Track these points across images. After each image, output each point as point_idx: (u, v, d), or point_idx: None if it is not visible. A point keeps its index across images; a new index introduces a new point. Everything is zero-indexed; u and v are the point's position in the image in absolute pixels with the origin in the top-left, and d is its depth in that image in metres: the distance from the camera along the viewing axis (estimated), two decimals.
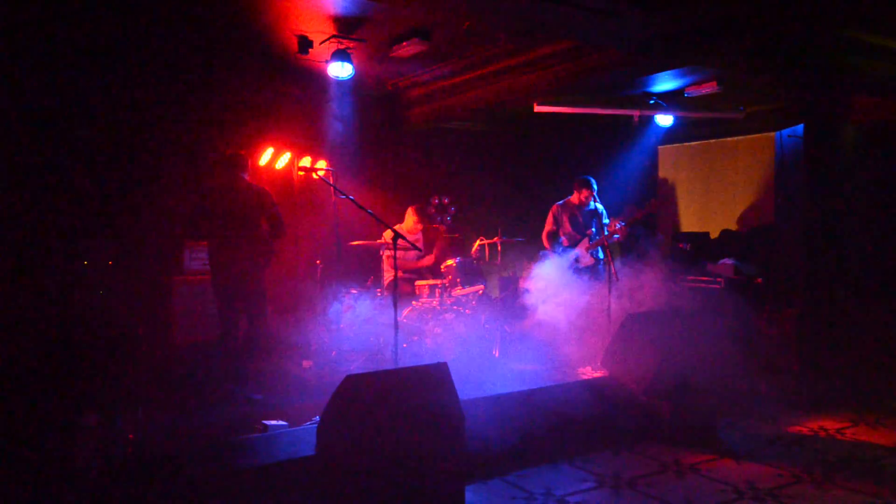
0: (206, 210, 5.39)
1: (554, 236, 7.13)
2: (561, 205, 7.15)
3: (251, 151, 6.94)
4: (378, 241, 6.68)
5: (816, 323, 6.14)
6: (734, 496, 4.25)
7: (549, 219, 7.19)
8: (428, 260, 7.20)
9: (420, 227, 7.13)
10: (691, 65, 6.13)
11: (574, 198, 7.05)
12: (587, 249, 6.86)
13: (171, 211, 6.67)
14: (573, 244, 7.00)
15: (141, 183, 6.71)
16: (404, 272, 6.94)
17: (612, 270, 6.26)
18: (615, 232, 6.62)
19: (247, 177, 5.59)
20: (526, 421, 4.91)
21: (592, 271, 6.82)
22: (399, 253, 6.63)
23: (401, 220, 7.21)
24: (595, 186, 6.97)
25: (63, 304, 5.59)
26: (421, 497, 3.69)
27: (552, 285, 6.60)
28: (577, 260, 6.88)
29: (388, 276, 6.72)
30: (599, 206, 7.05)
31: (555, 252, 6.97)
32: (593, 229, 6.97)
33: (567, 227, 7.05)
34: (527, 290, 6.79)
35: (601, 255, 6.88)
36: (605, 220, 7.05)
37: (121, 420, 4.36)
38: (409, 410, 3.71)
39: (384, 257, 6.99)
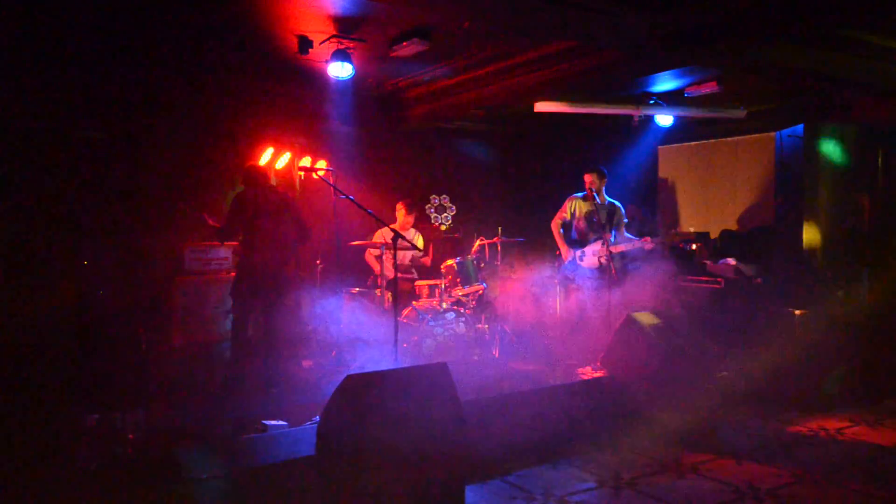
0: (241, 213, 5.54)
1: (567, 227, 6.92)
2: (580, 197, 6.89)
3: (254, 153, 6.99)
4: (377, 241, 6.67)
5: (816, 322, 6.14)
6: (734, 496, 4.25)
7: (565, 207, 6.93)
8: (426, 261, 7.17)
9: (411, 219, 7.08)
10: (691, 65, 6.13)
11: (586, 186, 6.82)
12: (602, 251, 6.43)
13: (170, 211, 6.67)
14: (582, 241, 6.81)
15: (141, 183, 6.71)
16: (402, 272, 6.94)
17: (613, 270, 6.25)
18: (646, 245, 6.56)
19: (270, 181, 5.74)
20: (525, 421, 4.91)
21: (595, 271, 6.68)
22: (378, 251, 6.64)
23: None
24: (605, 174, 6.83)
25: (63, 304, 5.59)
26: (421, 497, 3.69)
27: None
28: (581, 258, 6.73)
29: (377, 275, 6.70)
30: (617, 205, 6.90)
31: (565, 243, 6.88)
32: (613, 232, 6.71)
33: (581, 223, 6.82)
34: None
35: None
36: (626, 220, 6.95)
37: (121, 420, 4.38)
38: (409, 410, 3.71)
39: (373, 258, 6.94)
